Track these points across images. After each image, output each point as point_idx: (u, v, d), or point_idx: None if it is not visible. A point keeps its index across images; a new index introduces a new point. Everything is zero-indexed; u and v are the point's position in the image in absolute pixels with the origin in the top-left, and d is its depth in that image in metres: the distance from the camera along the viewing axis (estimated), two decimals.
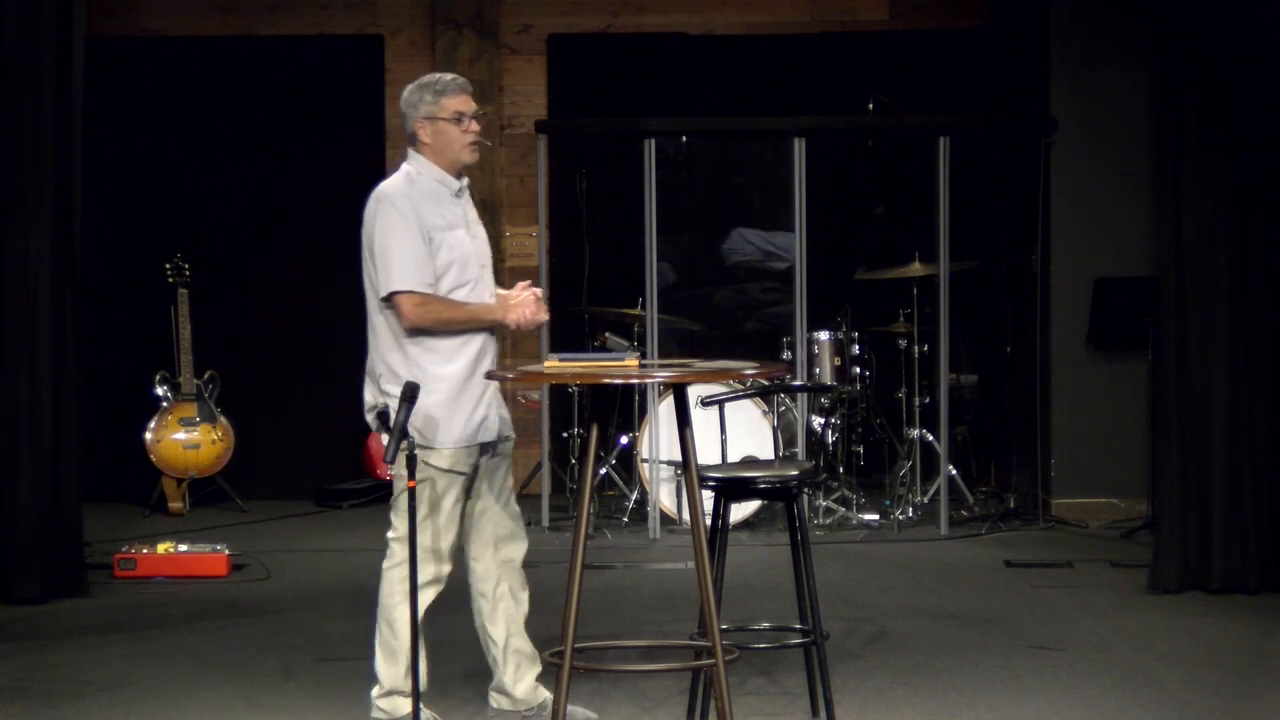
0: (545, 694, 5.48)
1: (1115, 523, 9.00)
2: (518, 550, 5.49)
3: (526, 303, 5.33)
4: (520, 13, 10.33)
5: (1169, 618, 6.94)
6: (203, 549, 8.08)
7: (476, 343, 5.33)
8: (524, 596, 5.51)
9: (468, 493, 5.40)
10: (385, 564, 5.38)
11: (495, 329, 5.39)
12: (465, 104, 5.33)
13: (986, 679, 6.05)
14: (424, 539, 5.27)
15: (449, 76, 5.37)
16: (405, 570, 5.22)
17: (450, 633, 5.95)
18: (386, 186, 5.34)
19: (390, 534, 5.38)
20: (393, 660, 5.34)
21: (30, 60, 7.38)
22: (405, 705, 5.34)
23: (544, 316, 5.37)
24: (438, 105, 5.30)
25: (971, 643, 6.58)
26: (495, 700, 5.54)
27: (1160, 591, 7.32)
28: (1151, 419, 8.74)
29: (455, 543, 5.38)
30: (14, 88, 7.38)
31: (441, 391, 5.27)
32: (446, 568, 5.37)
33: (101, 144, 9.40)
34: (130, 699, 5.93)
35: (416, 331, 5.27)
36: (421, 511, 5.25)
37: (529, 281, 5.49)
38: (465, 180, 5.45)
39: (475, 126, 5.33)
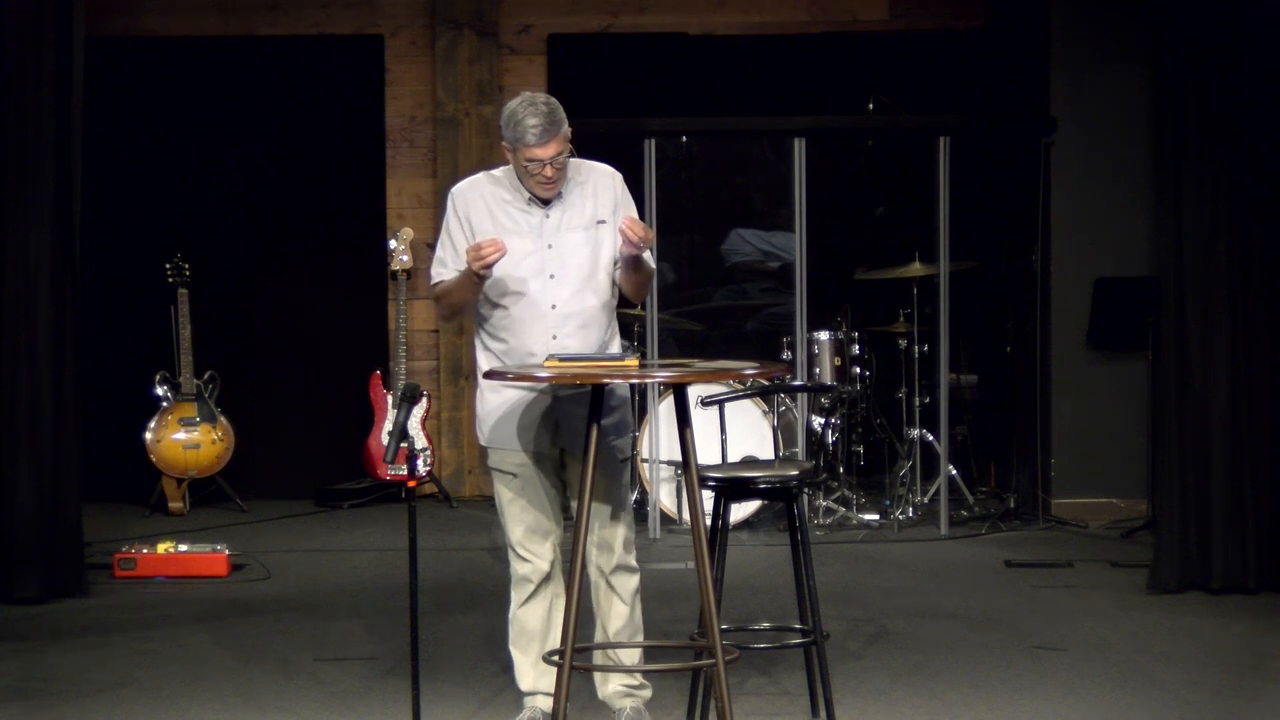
0: (626, 704, 5.39)
1: (1115, 523, 9.00)
2: (601, 560, 5.35)
3: (475, 252, 5.10)
4: (520, 13, 10.32)
5: (1169, 618, 6.93)
6: (203, 549, 8.08)
7: (521, 351, 5.25)
8: (612, 609, 5.37)
9: (555, 492, 5.38)
10: None
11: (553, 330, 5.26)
12: (540, 153, 5.16)
13: (986, 679, 6.05)
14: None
15: (531, 123, 5.12)
16: (509, 572, 5.36)
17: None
18: (461, 181, 5.40)
19: None
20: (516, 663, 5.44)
21: (30, 60, 7.38)
22: (533, 703, 5.41)
23: (490, 255, 5.06)
24: (514, 147, 5.20)
25: (971, 643, 6.58)
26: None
27: (1160, 591, 7.32)
28: (1151, 419, 8.74)
29: (535, 539, 5.33)
30: (14, 88, 7.38)
31: (484, 389, 5.34)
32: (525, 566, 5.35)
33: (101, 144, 9.39)
34: (130, 699, 5.93)
35: (477, 326, 5.35)
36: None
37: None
38: (570, 189, 5.31)
39: (548, 172, 5.20)
